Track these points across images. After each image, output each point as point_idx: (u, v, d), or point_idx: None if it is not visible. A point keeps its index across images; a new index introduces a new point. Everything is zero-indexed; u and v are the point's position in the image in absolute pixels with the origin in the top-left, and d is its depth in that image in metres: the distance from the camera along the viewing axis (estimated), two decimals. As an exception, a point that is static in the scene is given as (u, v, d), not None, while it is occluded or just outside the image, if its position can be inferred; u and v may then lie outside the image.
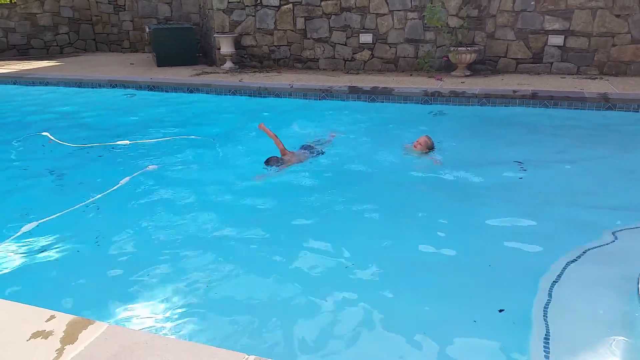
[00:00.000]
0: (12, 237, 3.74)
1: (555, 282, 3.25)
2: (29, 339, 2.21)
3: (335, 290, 3.17)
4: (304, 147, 5.60)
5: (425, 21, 9.73)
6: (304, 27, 10.84)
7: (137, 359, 2.08)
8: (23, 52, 14.38)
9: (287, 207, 4.42)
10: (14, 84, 10.23)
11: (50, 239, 3.79)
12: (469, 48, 9.23)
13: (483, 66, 9.81)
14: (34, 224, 3.84)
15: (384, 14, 10.23)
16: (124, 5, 14.92)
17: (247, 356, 2.15)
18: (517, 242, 3.74)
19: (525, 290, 3.07)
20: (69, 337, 2.23)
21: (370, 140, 6.34)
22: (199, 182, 4.98)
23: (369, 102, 8.20)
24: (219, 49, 11.08)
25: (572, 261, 3.50)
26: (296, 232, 3.97)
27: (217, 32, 11.14)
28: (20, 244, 3.70)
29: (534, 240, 3.74)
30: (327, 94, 8.40)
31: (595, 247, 3.69)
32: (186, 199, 4.58)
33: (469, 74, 9.39)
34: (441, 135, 6.27)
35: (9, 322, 2.34)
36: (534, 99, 7.47)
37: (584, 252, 3.62)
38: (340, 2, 10.42)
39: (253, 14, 11.07)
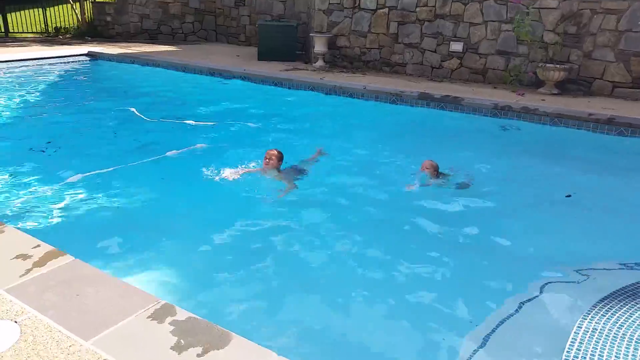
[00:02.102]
0: (60, 184, 4.51)
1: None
2: (12, 259, 2.81)
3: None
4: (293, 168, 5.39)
5: (514, 34, 9.43)
6: (396, 32, 11.00)
7: (77, 286, 2.58)
8: (153, 37, 16.17)
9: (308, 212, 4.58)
10: (132, 63, 11.67)
11: (90, 190, 4.50)
12: (558, 65, 8.78)
13: (575, 86, 9.25)
14: (78, 176, 4.58)
15: (478, 24, 10.05)
16: (244, 0, 16.07)
17: (159, 300, 2.55)
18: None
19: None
20: (41, 262, 2.79)
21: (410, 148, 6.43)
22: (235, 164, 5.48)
23: (437, 109, 8.19)
24: (314, 47, 11.61)
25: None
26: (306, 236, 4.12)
27: (315, 32, 11.69)
28: (65, 192, 4.45)
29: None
30: (397, 98, 8.53)
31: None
32: (218, 178, 5.09)
33: (556, 92, 8.92)
34: (491, 152, 6.17)
35: (5, 245, 2.96)
36: (609, 124, 6.97)
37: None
38: (435, 9, 10.43)
39: (350, 16, 11.46)
